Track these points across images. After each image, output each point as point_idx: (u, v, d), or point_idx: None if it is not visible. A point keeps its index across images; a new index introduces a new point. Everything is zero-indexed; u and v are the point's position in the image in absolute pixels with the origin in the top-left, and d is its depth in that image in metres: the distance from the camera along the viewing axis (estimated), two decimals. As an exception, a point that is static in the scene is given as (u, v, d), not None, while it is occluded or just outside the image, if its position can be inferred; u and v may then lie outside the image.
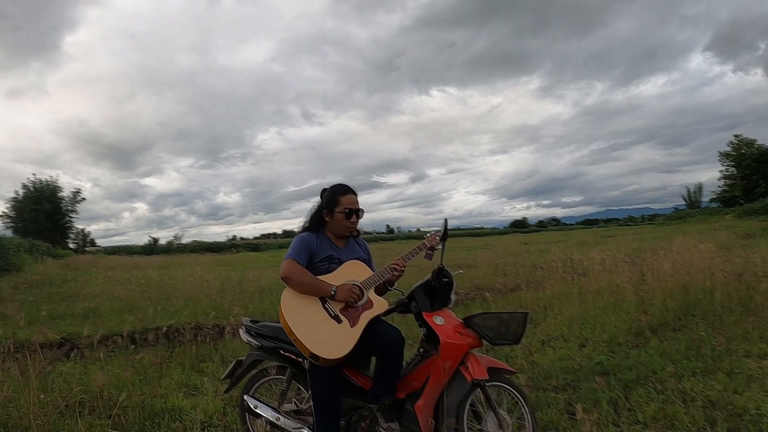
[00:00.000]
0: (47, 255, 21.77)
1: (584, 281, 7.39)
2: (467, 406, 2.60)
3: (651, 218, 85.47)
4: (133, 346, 5.49)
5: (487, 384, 2.64)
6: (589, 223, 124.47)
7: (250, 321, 3.10)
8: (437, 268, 2.84)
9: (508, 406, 2.80)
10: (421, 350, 2.81)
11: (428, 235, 2.95)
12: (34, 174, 59.13)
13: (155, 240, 52.80)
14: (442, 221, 2.89)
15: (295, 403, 2.94)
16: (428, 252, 2.89)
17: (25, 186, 42.76)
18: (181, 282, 10.40)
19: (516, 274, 10.11)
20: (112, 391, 3.90)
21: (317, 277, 2.71)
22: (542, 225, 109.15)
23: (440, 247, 2.91)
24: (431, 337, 2.74)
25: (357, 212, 2.89)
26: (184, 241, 52.61)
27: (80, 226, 52.09)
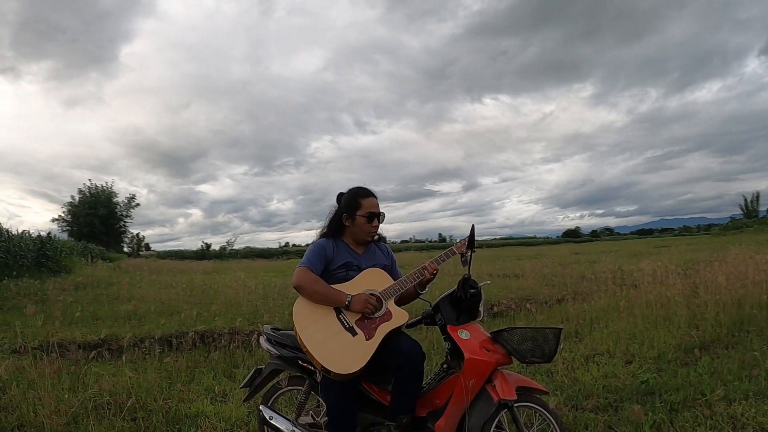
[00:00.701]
0: (100, 258, 22.49)
1: (633, 293, 7.00)
2: (493, 428, 2.41)
3: (707, 228, 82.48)
4: (168, 350, 5.52)
5: (515, 405, 2.43)
6: (643, 233, 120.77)
7: (271, 329, 2.98)
8: (463, 278, 2.63)
9: (539, 428, 2.57)
10: (445, 366, 2.61)
11: (456, 242, 2.77)
12: (90, 180, 61.81)
13: (207, 245, 54.36)
14: (470, 228, 2.68)
15: (312, 416, 2.80)
16: (462, 259, 2.70)
17: (81, 191, 44.65)
18: (224, 287, 10.51)
19: (563, 285, 9.73)
20: (140, 393, 3.91)
21: (333, 285, 2.56)
22: (595, 235, 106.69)
23: (468, 255, 2.71)
24: (456, 352, 2.54)
25: (378, 216, 2.73)
26: (236, 246, 53.96)
27: (135, 231, 54.10)
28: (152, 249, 60.55)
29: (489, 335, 2.60)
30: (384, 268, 2.75)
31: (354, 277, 2.63)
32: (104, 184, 45.48)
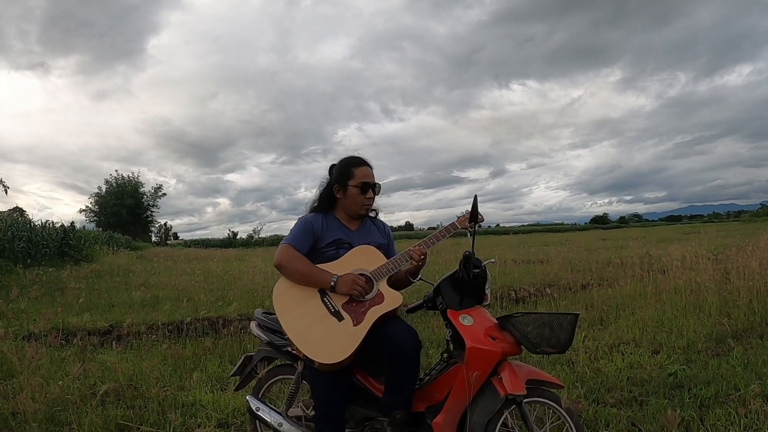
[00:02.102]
0: (125, 247, 22.75)
1: (661, 279, 6.65)
2: (498, 426, 2.14)
3: (736, 215, 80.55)
4: (178, 336, 5.44)
5: (524, 400, 2.16)
6: (672, 219, 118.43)
7: (263, 313, 2.76)
8: (464, 255, 2.33)
9: (552, 427, 2.31)
10: (445, 355, 2.35)
11: (459, 216, 2.50)
12: (116, 170, 62.88)
13: (234, 234, 54.95)
14: (473, 199, 2.39)
15: (301, 407, 2.57)
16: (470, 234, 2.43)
17: (107, 182, 45.46)
18: (241, 274, 10.45)
19: (588, 271, 9.32)
20: (141, 381, 3.80)
21: (318, 265, 2.31)
22: (623, 221, 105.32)
23: (474, 230, 2.44)
24: (457, 341, 2.27)
25: (374, 186, 2.47)
26: (263, 234, 54.45)
27: (163, 221, 54.97)
28: (180, 238, 61.52)
29: (496, 321, 2.32)
30: (379, 246, 2.48)
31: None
32: (130, 175, 46.26)
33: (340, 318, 2.20)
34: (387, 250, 2.53)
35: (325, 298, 2.25)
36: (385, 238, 2.59)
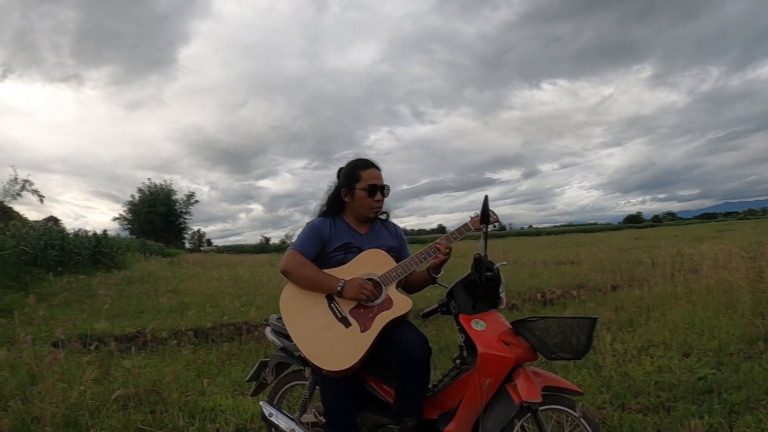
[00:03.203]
0: (158, 254, 23.16)
1: (692, 279, 6.45)
2: None
3: (773, 211, 78.06)
4: (204, 342, 5.48)
5: (540, 408, 2.08)
6: (706, 217, 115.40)
7: (277, 319, 2.74)
8: (474, 258, 2.26)
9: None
10: (458, 361, 2.28)
11: (472, 216, 2.44)
12: (149, 178, 64.17)
13: (267, 239, 55.53)
14: (483, 200, 2.29)
15: (314, 414, 2.54)
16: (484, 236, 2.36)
17: (141, 190, 46.23)
18: (269, 279, 10.53)
19: (619, 272, 9.10)
20: (163, 386, 3.83)
21: (326, 270, 2.28)
22: (657, 220, 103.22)
23: (486, 231, 2.37)
24: (470, 346, 2.20)
25: (382, 188, 2.42)
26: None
27: (197, 227, 55.90)
28: (213, 244, 62.48)
29: (510, 326, 2.25)
30: (391, 249, 2.44)
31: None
32: (163, 183, 47.00)
33: (347, 324, 2.16)
34: (399, 253, 2.48)
35: (332, 304, 2.22)
36: (397, 241, 2.53)
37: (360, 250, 2.37)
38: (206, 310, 7.13)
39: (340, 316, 2.18)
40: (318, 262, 2.37)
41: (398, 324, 2.20)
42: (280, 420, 2.54)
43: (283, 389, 2.75)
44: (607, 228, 76.37)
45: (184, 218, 48.30)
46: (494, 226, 2.47)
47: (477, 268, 2.24)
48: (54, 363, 3.36)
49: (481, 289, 2.24)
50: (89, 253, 13.60)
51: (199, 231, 59.42)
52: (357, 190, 2.40)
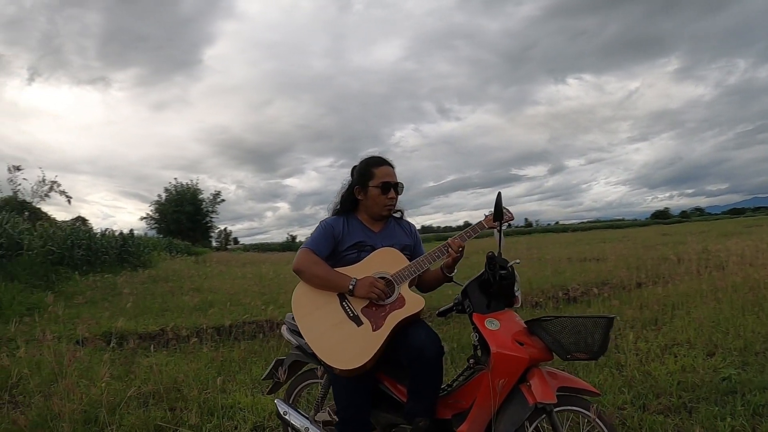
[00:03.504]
0: (185, 253, 23.43)
1: (718, 276, 6.28)
2: None
3: (804, 206, 75.86)
4: (227, 340, 5.52)
5: (555, 409, 2.04)
6: (735, 212, 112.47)
7: (292, 317, 2.75)
8: (487, 256, 2.22)
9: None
10: (471, 361, 2.25)
11: (486, 214, 2.41)
12: (175, 178, 65.00)
13: (293, 237, 55.95)
14: (496, 196, 2.24)
15: (329, 412, 2.53)
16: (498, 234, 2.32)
17: (167, 190, 46.72)
18: (293, 277, 10.56)
19: (645, 268, 8.90)
20: (184, 384, 3.87)
21: (338, 269, 2.28)
22: (685, 215, 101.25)
23: (500, 229, 2.33)
24: (484, 346, 2.16)
25: (395, 186, 2.40)
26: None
27: (223, 226, 56.49)
28: (240, 243, 63.10)
29: (525, 326, 2.20)
30: (405, 248, 2.42)
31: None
32: (189, 182, 47.44)
33: (359, 323, 2.15)
34: (413, 251, 2.47)
35: (344, 303, 2.21)
36: (411, 239, 2.51)
37: (373, 249, 2.35)
38: (228, 309, 7.20)
39: (351, 314, 2.18)
40: (331, 261, 2.37)
41: (410, 323, 2.18)
42: (294, 418, 2.54)
43: (298, 387, 2.75)
44: (634, 224, 75.35)
45: (211, 217, 48.60)
46: (509, 224, 2.44)
47: (490, 266, 2.20)
48: (73, 360, 3.41)
49: (495, 287, 2.20)
50: (116, 252, 13.85)
51: (225, 229, 60.15)
52: (370, 187, 2.38)
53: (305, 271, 2.26)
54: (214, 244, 50.71)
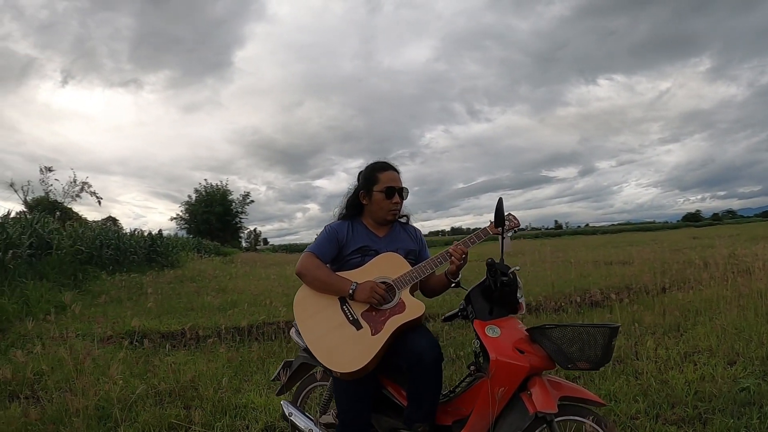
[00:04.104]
0: (214, 253, 23.77)
1: (742, 282, 6.09)
2: None
3: (841, 208, 73.04)
4: (248, 340, 5.60)
5: (556, 419, 2.01)
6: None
7: None
8: (487, 262, 2.21)
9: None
10: (472, 368, 2.24)
11: (491, 220, 2.39)
12: (205, 179, 65.92)
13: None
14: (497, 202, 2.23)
15: (333, 415, 2.56)
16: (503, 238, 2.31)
17: (197, 190, 47.41)
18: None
19: (669, 273, 8.66)
20: (201, 383, 3.94)
21: (341, 273, 2.29)
22: (717, 218, 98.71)
23: (506, 235, 2.31)
24: (485, 353, 2.14)
25: (400, 191, 2.41)
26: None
27: (253, 227, 57.08)
28: (270, 243, 63.65)
29: (526, 333, 2.17)
30: (409, 252, 2.43)
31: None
32: (219, 183, 48.02)
33: (358, 326, 2.16)
34: (418, 256, 2.47)
35: (344, 306, 2.22)
36: (416, 244, 2.52)
37: (377, 253, 2.37)
38: (250, 309, 7.29)
39: (351, 318, 2.19)
40: (336, 265, 2.40)
41: (410, 328, 2.18)
42: (299, 420, 2.57)
43: (306, 390, 2.78)
44: (665, 227, 73.90)
45: (240, 218, 49.12)
46: (514, 231, 2.42)
47: (491, 272, 2.19)
48: (87, 358, 3.50)
49: (496, 294, 2.19)
50: (144, 252, 14.14)
51: (255, 230, 60.71)
52: (375, 192, 2.40)
53: (307, 275, 2.28)
54: (243, 244, 51.18)
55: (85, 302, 7.41)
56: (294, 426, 2.59)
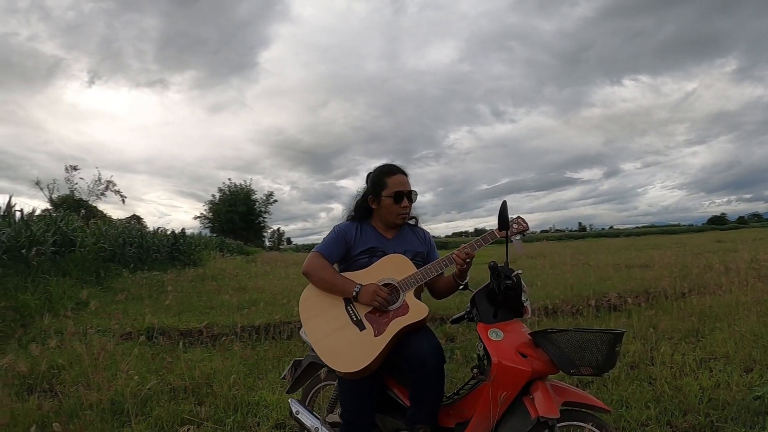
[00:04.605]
0: (236, 252, 24.01)
1: (762, 287, 5.96)
2: None
3: None
4: (265, 338, 5.64)
5: (559, 424, 2.00)
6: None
7: None
8: (490, 266, 2.20)
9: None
10: (475, 371, 2.24)
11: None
12: (229, 178, 66.66)
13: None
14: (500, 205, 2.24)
15: (339, 414, 2.59)
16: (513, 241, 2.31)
17: (221, 190, 47.93)
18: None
19: (690, 277, 8.54)
20: (214, 379, 4.01)
21: (347, 273, 2.32)
22: (742, 221, 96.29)
23: (513, 239, 2.32)
24: (489, 356, 2.15)
25: (409, 195, 2.43)
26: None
27: (276, 226, 57.49)
28: (293, 243, 64.03)
29: (530, 337, 2.16)
30: (417, 254, 2.45)
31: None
32: (243, 183, 48.48)
33: (361, 327, 2.19)
34: (426, 258, 2.48)
35: (348, 307, 2.25)
36: (425, 246, 2.53)
37: (385, 255, 2.38)
38: (267, 308, 7.35)
39: (355, 319, 2.21)
40: (343, 265, 2.44)
41: (414, 331, 2.20)
42: (305, 418, 2.61)
43: (315, 388, 2.82)
44: (690, 230, 72.54)
45: (264, 217, 49.60)
46: (523, 234, 2.41)
47: (494, 276, 2.19)
48: (103, 353, 3.59)
49: (500, 297, 2.19)
50: (167, 250, 14.36)
51: (278, 230, 61.15)
52: (383, 197, 2.41)
53: (313, 275, 2.32)
54: (267, 244, 51.54)
55: (106, 299, 7.57)
56: (301, 424, 2.63)
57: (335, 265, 2.43)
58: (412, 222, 2.59)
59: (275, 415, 3.41)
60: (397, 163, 2.52)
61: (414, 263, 2.35)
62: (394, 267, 2.32)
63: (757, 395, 3.20)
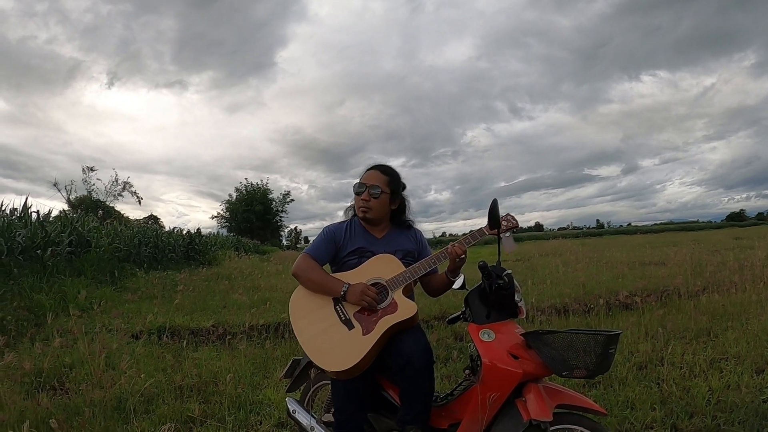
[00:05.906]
0: (253, 251, 24.19)
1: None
2: None
3: None
4: (274, 337, 5.66)
5: (551, 428, 1.96)
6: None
7: None
8: (479, 265, 2.17)
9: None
10: (467, 372, 2.23)
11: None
12: (246, 178, 67.13)
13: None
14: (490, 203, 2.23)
15: (334, 413, 2.59)
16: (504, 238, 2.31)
17: (238, 189, 48.25)
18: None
19: (704, 275, 8.38)
20: (221, 377, 4.02)
21: (336, 274, 2.34)
22: (761, 218, 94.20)
23: (504, 236, 2.31)
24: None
25: (371, 188, 2.42)
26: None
27: (294, 225, 57.74)
28: (310, 242, 64.48)
29: (522, 338, 2.12)
30: (408, 254, 2.44)
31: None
32: (260, 182, 48.75)
33: (350, 326, 2.19)
34: (418, 257, 2.47)
35: (337, 307, 2.26)
36: (416, 245, 2.53)
37: (374, 255, 2.39)
38: (277, 307, 7.38)
39: (343, 318, 2.22)
40: (335, 267, 2.46)
41: (404, 330, 2.19)
42: (302, 417, 2.61)
43: (314, 388, 2.82)
44: (708, 226, 71.19)
45: (281, 216, 49.84)
46: (513, 231, 2.39)
47: (485, 275, 2.16)
48: (110, 352, 3.62)
49: (491, 297, 2.16)
50: (183, 250, 14.51)
51: (296, 229, 61.43)
52: (354, 192, 2.48)
53: (301, 276, 2.33)
54: (284, 242, 51.79)
55: (120, 298, 7.67)
56: (297, 423, 2.64)
57: (328, 267, 2.45)
58: (406, 224, 2.58)
59: (278, 413, 3.42)
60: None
61: (405, 262, 2.35)
62: (383, 266, 2.32)
63: (766, 398, 3.12)
